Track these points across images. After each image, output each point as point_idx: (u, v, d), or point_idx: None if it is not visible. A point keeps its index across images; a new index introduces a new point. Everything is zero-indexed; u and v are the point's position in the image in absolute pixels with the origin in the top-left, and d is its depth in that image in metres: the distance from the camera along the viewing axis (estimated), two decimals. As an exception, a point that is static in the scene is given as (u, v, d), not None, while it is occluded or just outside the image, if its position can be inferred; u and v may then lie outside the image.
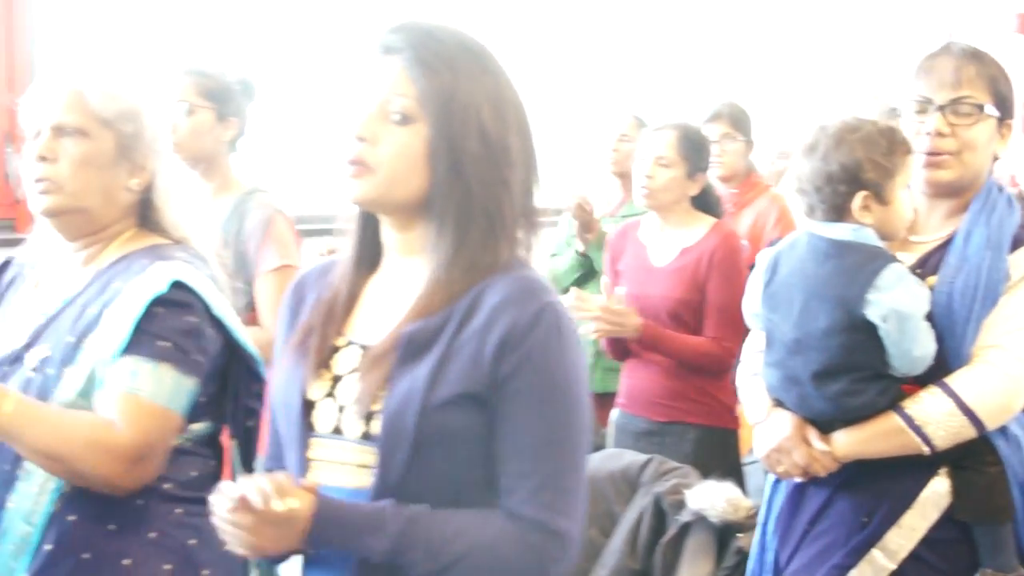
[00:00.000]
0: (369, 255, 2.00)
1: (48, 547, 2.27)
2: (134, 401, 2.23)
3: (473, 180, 1.87)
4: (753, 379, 2.79)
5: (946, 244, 2.61)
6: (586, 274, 4.55)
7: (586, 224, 4.60)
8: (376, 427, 1.85)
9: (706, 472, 3.46)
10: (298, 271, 3.48)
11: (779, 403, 2.69)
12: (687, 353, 3.83)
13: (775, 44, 6.45)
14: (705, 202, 4.08)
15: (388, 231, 1.96)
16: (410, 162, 1.86)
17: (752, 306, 2.78)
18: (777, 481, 2.78)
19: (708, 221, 4.02)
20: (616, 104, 5.47)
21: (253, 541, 1.80)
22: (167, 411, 2.26)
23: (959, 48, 2.64)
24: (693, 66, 6.33)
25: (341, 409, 1.91)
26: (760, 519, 2.86)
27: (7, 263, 2.54)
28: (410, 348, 1.85)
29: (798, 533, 2.69)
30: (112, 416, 2.22)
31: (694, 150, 4.01)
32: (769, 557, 2.77)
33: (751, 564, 2.86)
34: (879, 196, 2.56)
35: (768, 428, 2.69)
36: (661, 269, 3.97)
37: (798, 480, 2.68)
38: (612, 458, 3.65)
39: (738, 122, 4.89)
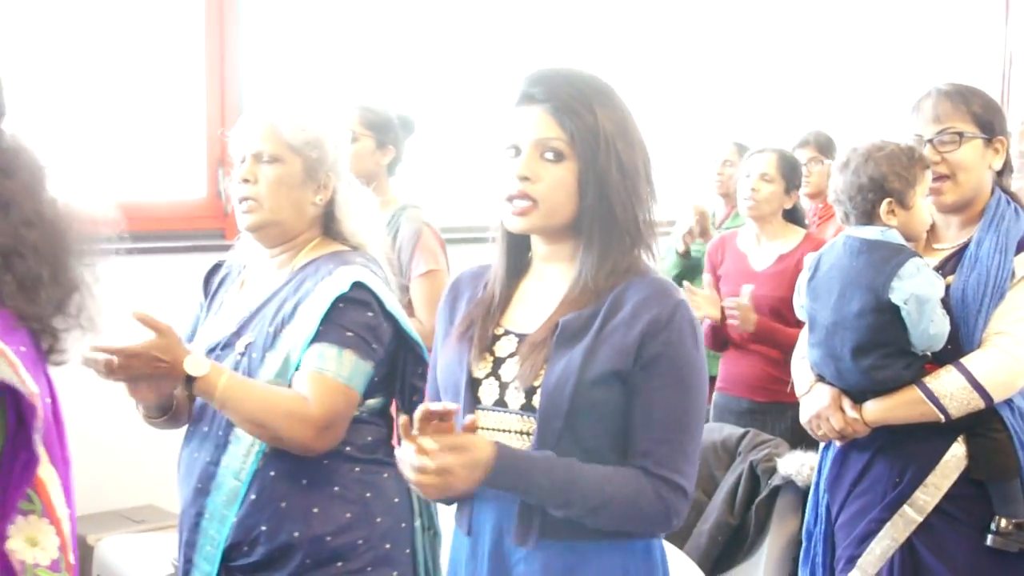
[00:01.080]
0: (516, 263, 2.07)
1: (252, 497, 2.36)
2: (321, 379, 2.31)
3: (615, 203, 1.94)
4: (802, 361, 2.89)
5: (962, 250, 2.70)
6: (682, 272, 4.63)
7: (704, 229, 4.66)
8: (536, 400, 1.93)
9: (802, 444, 3.52)
10: (444, 274, 3.61)
11: (821, 378, 2.78)
12: (793, 343, 3.89)
13: (861, 77, 6.46)
14: (794, 216, 4.17)
15: (537, 244, 2.04)
16: (565, 193, 1.94)
17: (800, 299, 2.88)
18: (826, 448, 2.86)
19: (800, 232, 4.12)
20: (718, 133, 5.56)
21: (447, 480, 1.83)
22: (348, 389, 2.33)
23: (937, 89, 2.75)
24: (785, 97, 6.37)
25: (503, 385, 1.98)
26: (813, 479, 2.94)
27: (218, 265, 2.64)
28: (565, 335, 1.94)
29: (844, 491, 2.77)
30: (305, 392, 2.30)
31: (791, 170, 4.13)
32: (822, 510, 2.85)
33: (808, 515, 2.93)
34: (902, 202, 2.65)
35: (810, 398, 2.79)
36: (761, 273, 4.07)
37: (839, 445, 2.77)
38: (714, 431, 3.75)
39: (823, 147, 4.95)
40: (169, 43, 4.50)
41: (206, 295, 2.61)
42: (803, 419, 2.82)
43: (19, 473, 1.35)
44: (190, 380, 2.24)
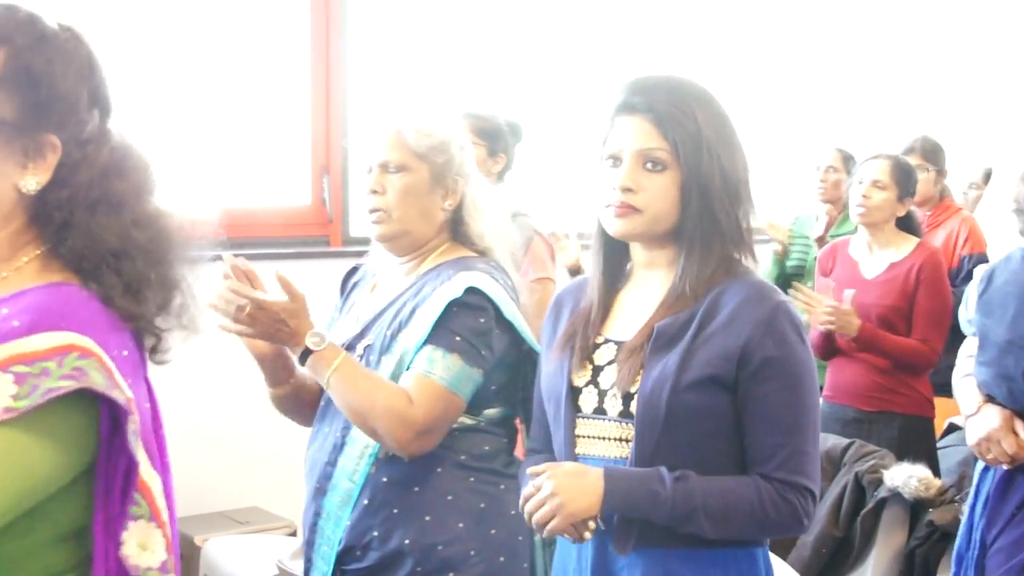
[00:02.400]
0: (614, 271, 2.05)
1: (364, 502, 2.33)
2: (426, 381, 2.26)
3: (718, 210, 1.91)
4: (966, 379, 2.72)
5: None
6: (779, 277, 4.61)
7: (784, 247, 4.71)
8: (633, 406, 1.90)
9: (908, 455, 3.45)
10: (553, 283, 3.57)
11: (990, 398, 2.62)
12: (898, 352, 3.78)
13: (970, 82, 6.32)
14: (909, 224, 4.04)
15: (636, 251, 2.01)
16: (668, 202, 1.91)
17: (968, 313, 2.73)
18: (985, 470, 2.71)
19: (913, 240, 3.97)
20: (822, 139, 5.47)
21: (560, 500, 1.85)
22: (452, 394, 2.27)
23: None
24: (891, 103, 6.25)
25: (602, 393, 1.96)
26: (968, 502, 2.79)
27: (355, 269, 2.61)
28: (660, 340, 1.90)
29: (1006, 515, 2.62)
30: (409, 392, 2.26)
31: (904, 178, 3.98)
32: (976, 535, 2.70)
33: (959, 541, 2.79)
34: None
35: (979, 420, 2.63)
36: (871, 281, 3.93)
37: (1005, 468, 2.61)
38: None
39: (930, 154, 4.80)
40: (275, 52, 4.53)
41: (342, 296, 2.59)
42: (970, 441, 2.67)
43: (123, 478, 1.36)
44: (306, 356, 2.25)
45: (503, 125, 3.77)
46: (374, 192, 2.38)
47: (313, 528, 2.41)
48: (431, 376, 2.26)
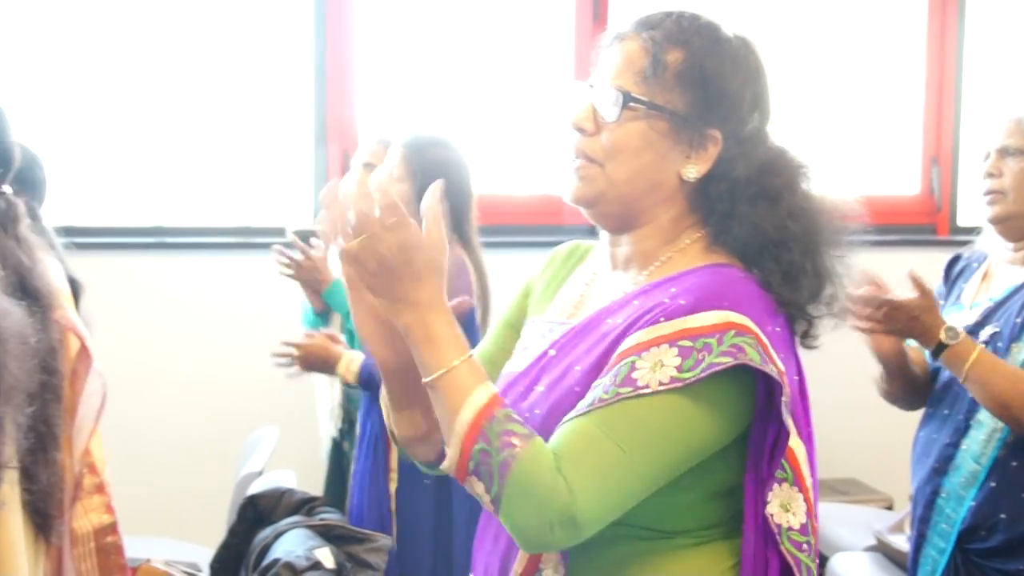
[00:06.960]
0: None
1: (992, 484, 2.31)
2: None
3: None
4: None
5: None
6: None
7: None
8: None
9: None
10: None
11: None
12: None
13: None
14: None
15: None
16: None
17: None
18: None
19: None
20: None
21: None
22: None
23: None
24: None
25: None
26: None
27: (957, 258, 2.62)
28: None
29: None
30: None
31: None
32: None
33: None
34: None
35: None
36: None
37: None
38: None
39: None
40: (893, 47, 4.55)
41: (945, 284, 2.59)
42: None
43: (771, 444, 1.40)
44: (940, 349, 2.25)
45: None
46: (991, 175, 2.40)
47: (930, 505, 2.42)
48: None
